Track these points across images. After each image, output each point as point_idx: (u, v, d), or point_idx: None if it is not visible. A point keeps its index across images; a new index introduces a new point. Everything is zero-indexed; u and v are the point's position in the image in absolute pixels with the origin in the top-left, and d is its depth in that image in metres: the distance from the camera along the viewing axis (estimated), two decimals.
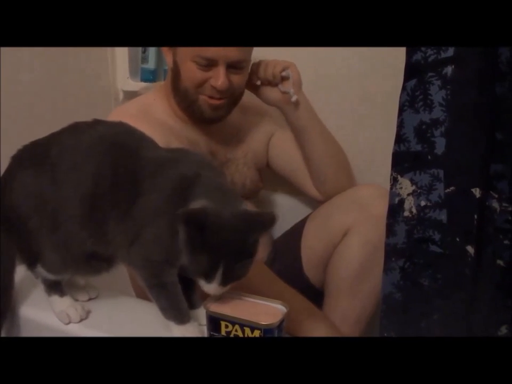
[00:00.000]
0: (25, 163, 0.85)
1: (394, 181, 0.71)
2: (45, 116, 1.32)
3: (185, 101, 1.14)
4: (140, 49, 1.53)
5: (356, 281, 1.16)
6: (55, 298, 0.88)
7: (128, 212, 0.79)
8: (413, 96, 0.68)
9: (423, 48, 0.67)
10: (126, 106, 1.23)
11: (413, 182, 0.70)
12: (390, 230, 0.73)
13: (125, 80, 1.55)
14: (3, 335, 0.90)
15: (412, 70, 0.68)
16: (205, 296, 0.80)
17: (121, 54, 1.53)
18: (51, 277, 0.86)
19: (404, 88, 0.69)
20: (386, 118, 0.93)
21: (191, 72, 1.10)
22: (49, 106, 1.35)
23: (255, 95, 1.23)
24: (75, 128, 0.85)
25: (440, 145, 0.68)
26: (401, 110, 0.69)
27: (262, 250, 1.29)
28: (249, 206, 1.30)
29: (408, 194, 0.71)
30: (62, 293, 0.88)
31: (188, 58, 1.09)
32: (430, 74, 0.67)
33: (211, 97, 1.12)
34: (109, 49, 1.53)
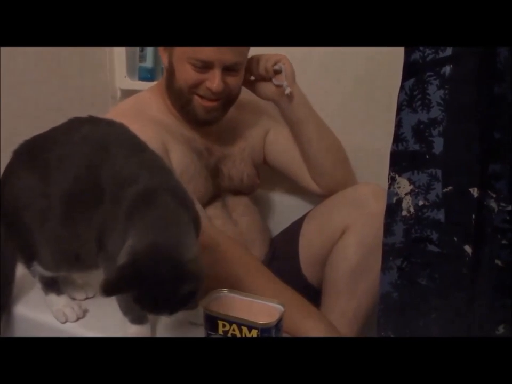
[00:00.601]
0: (23, 158, 0.85)
1: (392, 180, 0.71)
2: (42, 114, 1.32)
3: (180, 101, 1.14)
4: (137, 48, 1.53)
5: (353, 280, 1.16)
6: (52, 297, 0.88)
7: (92, 218, 0.78)
8: (411, 96, 0.68)
9: (421, 48, 0.67)
10: (121, 104, 1.23)
11: (410, 181, 0.70)
12: (388, 229, 0.73)
13: (122, 79, 1.55)
14: None
15: (410, 69, 0.68)
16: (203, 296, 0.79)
17: (118, 53, 1.53)
18: (47, 274, 0.86)
19: (402, 87, 0.69)
20: (384, 117, 0.93)
21: (186, 73, 1.10)
22: (47, 105, 1.34)
23: (251, 91, 1.22)
24: (69, 125, 0.85)
25: (438, 144, 0.67)
26: (399, 110, 0.69)
27: (260, 249, 1.29)
28: (247, 201, 1.31)
29: (406, 194, 0.71)
30: (59, 292, 0.88)
31: (183, 60, 1.09)
32: (428, 73, 0.67)
33: (205, 99, 1.12)
34: (106, 48, 1.52)
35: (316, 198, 1.36)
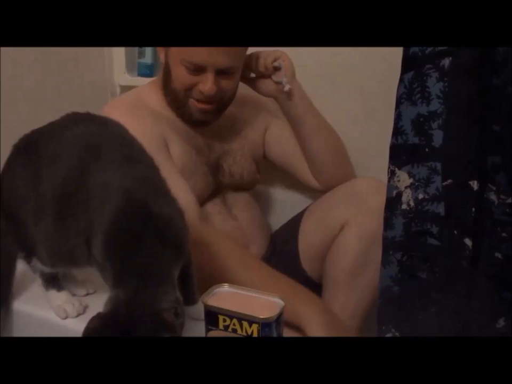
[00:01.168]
0: (20, 153, 0.85)
1: (391, 173, 0.71)
2: (41, 110, 1.31)
3: (175, 102, 1.15)
4: None
5: (353, 274, 1.16)
6: (53, 293, 0.88)
7: (80, 221, 0.77)
8: (410, 89, 0.68)
9: None
10: (121, 98, 1.22)
11: (410, 174, 0.70)
12: (388, 223, 0.73)
13: (122, 75, 1.55)
14: None
15: (409, 62, 0.68)
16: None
17: (118, 49, 1.52)
18: (46, 269, 0.86)
19: (401, 80, 0.69)
20: (383, 111, 0.93)
21: (180, 75, 1.10)
22: (46, 101, 1.34)
23: (250, 88, 1.22)
24: (65, 121, 0.84)
25: (437, 137, 0.67)
26: (398, 103, 0.69)
27: (260, 245, 1.29)
28: (247, 197, 1.31)
29: (406, 187, 0.71)
30: (59, 288, 0.88)
31: (177, 61, 1.09)
32: (428, 66, 0.67)
33: (199, 101, 1.12)
34: None
35: (316, 193, 1.36)
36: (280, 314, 0.75)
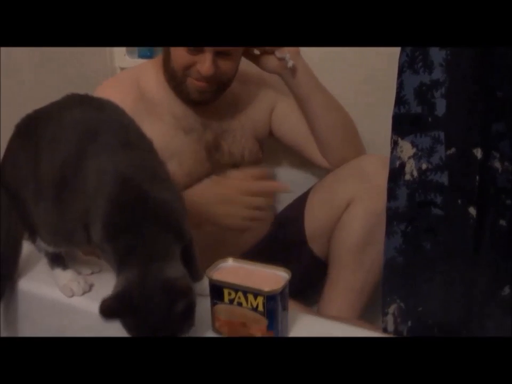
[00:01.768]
0: (22, 133, 0.85)
1: (394, 144, 0.71)
2: (42, 92, 1.31)
3: (174, 80, 1.14)
4: None
5: (359, 252, 1.16)
6: (58, 272, 0.88)
7: (78, 206, 0.77)
8: (412, 57, 0.68)
9: None
10: (117, 76, 1.22)
11: (413, 144, 0.70)
12: (391, 194, 0.73)
13: (122, 57, 1.54)
14: (2, 309, 0.91)
15: None
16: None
17: None
18: (50, 249, 0.86)
19: (403, 49, 0.68)
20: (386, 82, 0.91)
21: (179, 55, 1.09)
22: (47, 83, 1.34)
23: (254, 64, 1.21)
24: (64, 103, 0.84)
25: (440, 106, 0.67)
26: (400, 72, 0.69)
27: (263, 225, 1.29)
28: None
29: (409, 158, 0.70)
30: (64, 266, 0.89)
31: None
32: None
33: (198, 79, 1.11)
34: None
35: (321, 172, 1.35)
36: (285, 287, 0.75)
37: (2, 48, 1.14)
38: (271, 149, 1.40)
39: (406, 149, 0.70)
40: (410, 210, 0.72)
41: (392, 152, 0.71)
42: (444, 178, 0.69)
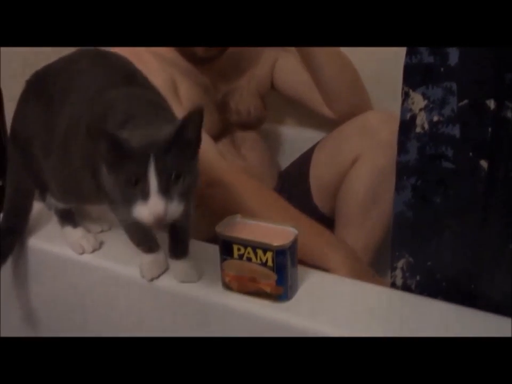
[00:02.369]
0: (32, 88, 0.85)
1: (405, 95, 0.69)
2: None
3: None
4: None
5: (365, 209, 1.16)
6: (68, 229, 0.89)
7: (85, 153, 0.75)
8: None
9: None
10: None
11: (425, 96, 0.68)
12: (402, 147, 0.72)
13: None
14: (10, 267, 0.93)
15: None
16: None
17: None
18: (60, 205, 0.87)
19: None
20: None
21: None
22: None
23: None
24: (73, 55, 0.84)
25: (453, 56, 0.65)
26: None
27: (268, 183, 1.29)
28: (255, 136, 1.29)
29: (420, 110, 0.69)
30: (75, 224, 0.89)
31: None
32: None
33: None
34: None
35: (326, 129, 1.34)
36: (294, 242, 0.75)
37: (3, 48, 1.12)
38: (275, 106, 1.39)
39: (417, 100, 0.69)
40: (421, 164, 0.71)
41: (402, 104, 0.70)
42: (455, 131, 0.68)
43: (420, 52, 0.66)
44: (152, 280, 0.81)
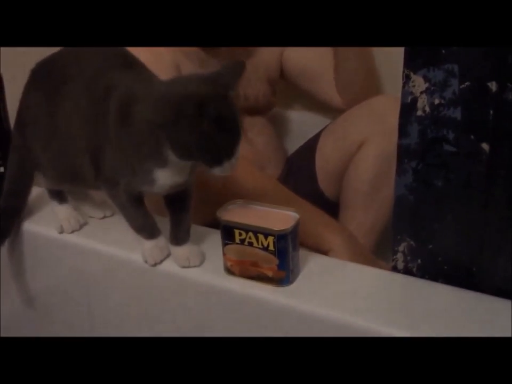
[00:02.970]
0: (35, 76, 0.87)
1: (406, 78, 0.68)
2: None
3: None
4: None
5: (370, 193, 1.16)
6: (54, 205, 0.92)
7: (85, 136, 0.78)
8: None
9: None
10: None
11: (426, 79, 0.68)
12: (402, 130, 0.71)
13: None
14: (6, 247, 0.95)
15: None
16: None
17: None
18: (50, 186, 0.89)
19: None
20: None
21: None
22: None
23: None
24: (76, 51, 0.85)
25: None
26: None
27: (275, 168, 1.29)
28: (263, 121, 1.29)
29: (421, 92, 0.68)
30: (61, 200, 0.92)
31: None
32: None
33: None
34: None
35: (333, 115, 1.33)
36: (295, 226, 0.75)
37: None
38: (283, 93, 1.38)
39: (418, 83, 0.68)
40: (422, 147, 0.71)
41: (403, 87, 0.69)
42: (457, 113, 0.67)
43: None
44: (155, 265, 0.82)
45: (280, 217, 0.77)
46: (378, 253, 1.06)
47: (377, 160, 1.15)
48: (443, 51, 0.66)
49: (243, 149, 1.18)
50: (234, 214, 0.78)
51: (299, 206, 0.98)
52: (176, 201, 0.80)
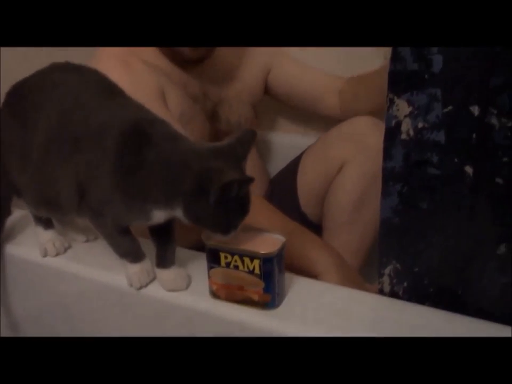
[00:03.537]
0: (9, 101, 0.85)
1: (390, 102, 0.69)
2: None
3: None
4: None
5: (353, 214, 1.16)
6: (39, 230, 0.90)
7: (69, 166, 0.77)
8: None
9: None
10: (111, 49, 1.19)
11: (409, 103, 0.68)
12: (387, 153, 0.72)
13: None
14: None
15: None
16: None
17: None
18: (32, 211, 0.88)
19: None
20: None
21: None
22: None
23: None
24: (46, 71, 0.84)
25: (437, 62, 0.66)
26: None
27: (259, 190, 1.28)
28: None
29: (405, 116, 0.69)
30: (46, 226, 0.90)
31: None
32: None
33: None
34: None
35: (315, 136, 1.34)
36: (281, 250, 0.75)
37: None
38: (266, 113, 1.39)
39: (402, 107, 0.69)
40: (406, 170, 0.71)
41: (388, 111, 0.70)
42: (440, 137, 0.68)
43: (404, 58, 0.66)
44: (140, 288, 0.80)
45: (266, 240, 0.76)
46: (364, 275, 1.06)
47: (358, 181, 1.15)
48: (426, 76, 0.67)
49: None
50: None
51: (287, 226, 0.98)
52: (161, 226, 0.80)
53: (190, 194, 0.71)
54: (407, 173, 0.72)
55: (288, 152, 1.38)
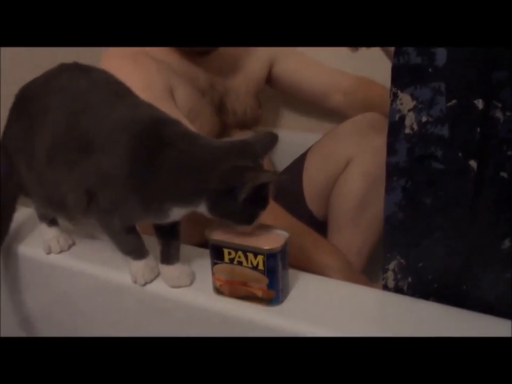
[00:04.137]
0: (17, 104, 0.85)
1: (394, 96, 0.69)
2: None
3: None
4: None
5: (358, 212, 1.15)
6: (43, 227, 0.90)
7: (78, 168, 0.77)
8: None
9: None
10: (129, 53, 1.19)
11: (413, 97, 0.68)
12: (391, 148, 0.71)
13: None
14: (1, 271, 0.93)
15: None
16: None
17: None
18: (38, 210, 0.89)
19: None
20: None
21: None
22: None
23: None
24: (53, 71, 0.84)
25: (440, 56, 0.65)
26: None
27: None
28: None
29: (409, 110, 0.69)
30: (50, 223, 0.90)
31: None
32: None
33: None
34: None
35: (321, 133, 1.34)
36: (284, 245, 0.75)
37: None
38: (272, 109, 1.39)
39: (406, 101, 0.68)
40: (410, 164, 0.71)
41: (391, 105, 0.69)
42: (444, 131, 0.68)
43: (408, 52, 0.66)
44: (145, 284, 0.80)
45: (270, 236, 0.76)
46: (368, 273, 1.06)
47: (363, 178, 1.15)
48: (429, 69, 0.66)
49: None
50: (223, 233, 0.77)
51: (292, 225, 0.97)
52: (167, 223, 0.79)
53: (216, 191, 0.71)
54: (411, 167, 0.71)
55: (294, 149, 1.38)
